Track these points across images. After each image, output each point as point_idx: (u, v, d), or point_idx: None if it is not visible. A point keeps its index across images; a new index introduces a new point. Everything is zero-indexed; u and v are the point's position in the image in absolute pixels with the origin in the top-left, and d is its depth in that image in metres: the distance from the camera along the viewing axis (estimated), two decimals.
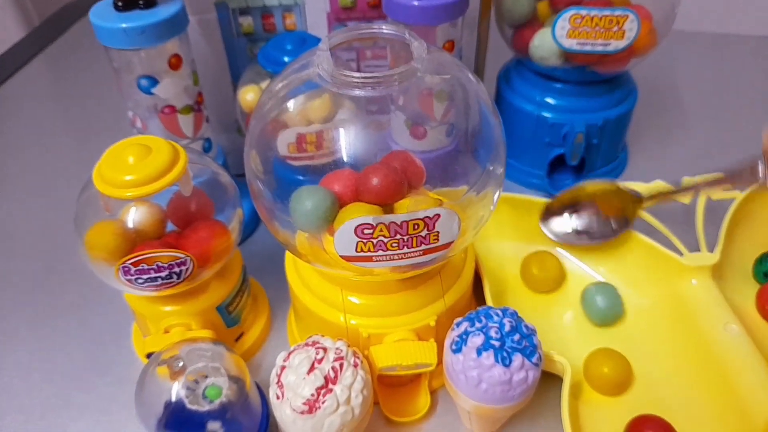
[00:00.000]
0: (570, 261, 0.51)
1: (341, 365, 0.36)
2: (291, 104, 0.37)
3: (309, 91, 0.36)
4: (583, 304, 0.48)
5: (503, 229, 0.53)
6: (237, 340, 0.47)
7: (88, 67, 0.86)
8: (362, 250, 0.33)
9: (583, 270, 0.51)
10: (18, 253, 0.57)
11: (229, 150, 0.58)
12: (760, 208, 0.53)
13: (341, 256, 0.34)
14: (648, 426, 0.39)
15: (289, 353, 0.37)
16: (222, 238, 0.41)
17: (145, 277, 0.38)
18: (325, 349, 0.36)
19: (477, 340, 0.36)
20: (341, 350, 0.37)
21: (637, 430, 0.39)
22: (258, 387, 0.41)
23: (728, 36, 0.87)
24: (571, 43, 0.51)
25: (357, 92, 0.33)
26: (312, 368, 0.35)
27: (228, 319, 0.44)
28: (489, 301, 0.44)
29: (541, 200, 0.52)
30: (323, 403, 0.35)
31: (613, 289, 0.47)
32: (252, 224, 0.58)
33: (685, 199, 0.50)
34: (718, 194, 0.51)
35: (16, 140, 0.73)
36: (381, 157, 0.36)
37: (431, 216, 0.33)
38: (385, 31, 0.36)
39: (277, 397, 0.36)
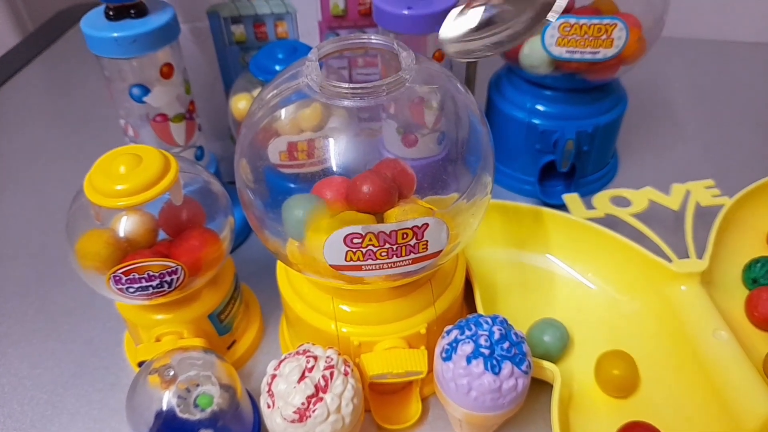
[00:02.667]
0: (559, 267, 0.51)
1: (332, 374, 0.36)
2: (282, 113, 0.37)
3: (299, 100, 0.36)
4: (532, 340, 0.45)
5: (494, 236, 0.53)
6: (229, 348, 0.47)
7: (81, 75, 0.86)
8: (352, 260, 0.34)
9: (571, 276, 0.51)
10: (10, 260, 0.57)
11: (222, 158, 0.58)
12: (749, 215, 0.53)
13: (331, 266, 0.34)
14: None
15: (280, 362, 0.37)
16: (213, 247, 0.41)
17: (136, 286, 0.38)
18: (315, 358, 0.37)
19: (467, 348, 0.36)
20: (332, 359, 0.37)
21: None
22: (250, 395, 0.41)
23: (718, 42, 0.88)
24: (561, 51, 0.52)
25: (346, 102, 0.33)
26: (302, 377, 0.36)
27: (220, 327, 0.44)
28: (480, 309, 0.44)
29: (532, 207, 0.52)
30: (314, 411, 0.35)
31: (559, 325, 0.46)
32: (244, 232, 0.58)
33: (675, 205, 0.51)
34: (708, 200, 0.52)
35: (8, 147, 0.73)
36: (372, 165, 0.36)
37: (420, 225, 0.33)
38: (373, 41, 0.36)
39: (268, 406, 0.36)
